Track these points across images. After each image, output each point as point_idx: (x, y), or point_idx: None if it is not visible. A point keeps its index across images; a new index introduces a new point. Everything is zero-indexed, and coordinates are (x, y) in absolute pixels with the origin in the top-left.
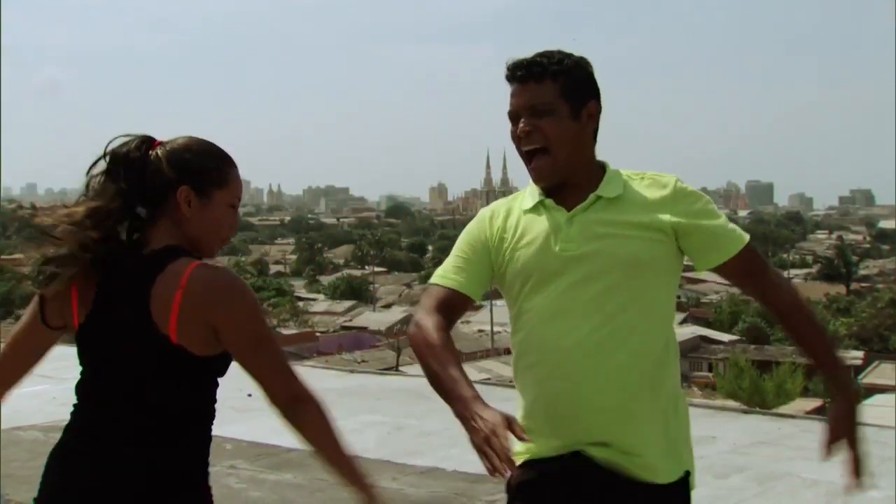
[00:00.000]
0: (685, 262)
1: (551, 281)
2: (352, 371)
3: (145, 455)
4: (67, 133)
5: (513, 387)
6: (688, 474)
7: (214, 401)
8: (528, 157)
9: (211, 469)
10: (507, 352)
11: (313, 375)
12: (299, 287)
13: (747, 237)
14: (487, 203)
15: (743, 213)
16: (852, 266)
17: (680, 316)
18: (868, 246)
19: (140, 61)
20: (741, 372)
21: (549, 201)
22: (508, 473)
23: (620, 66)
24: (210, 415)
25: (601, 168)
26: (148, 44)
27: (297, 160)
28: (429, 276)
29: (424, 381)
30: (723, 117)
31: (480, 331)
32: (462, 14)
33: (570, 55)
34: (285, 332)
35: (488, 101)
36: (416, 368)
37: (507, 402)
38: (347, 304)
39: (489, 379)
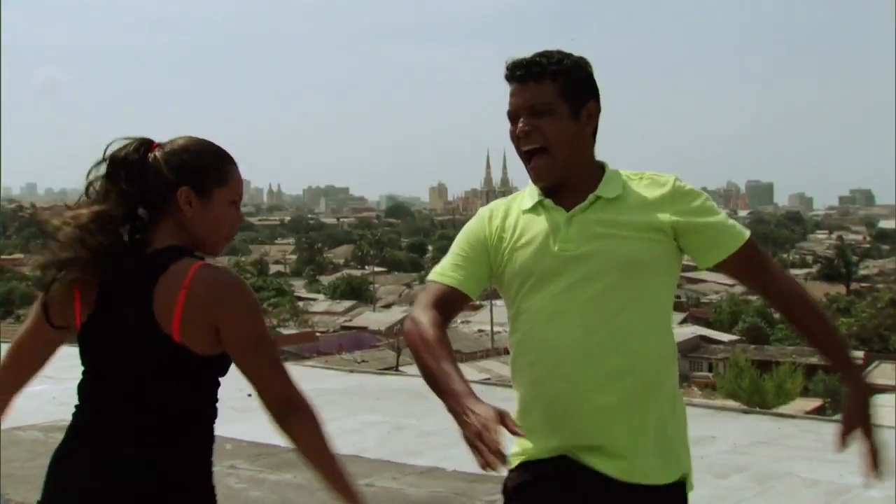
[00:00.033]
0: (685, 262)
1: (550, 281)
2: (352, 371)
3: (145, 455)
4: (67, 133)
5: (512, 387)
6: (685, 476)
7: (216, 401)
8: (527, 157)
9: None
10: (507, 352)
11: (313, 375)
12: (299, 287)
13: (748, 233)
14: (487, 203)
15: (743, 213)
16: (852, 266)
17: (680, 316)
18: (868, 246)
19: (140, 61)
20: (741, 372)
21: (548, 201)
22: (500, 468)
23: (620, 66)
24: (211, 415)
25: (600, 168)
26: (148, 44)
27: (297, 160)
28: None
29: (424, 381)
30: (723, 117)
31: (480, 331)
32: (462, 14)
33: (569, 55)
34: (285, 332)
35: (488, 101)
36: (417, 368)
37: (507, 401)
38: (347, 304)
39: (489, 379)
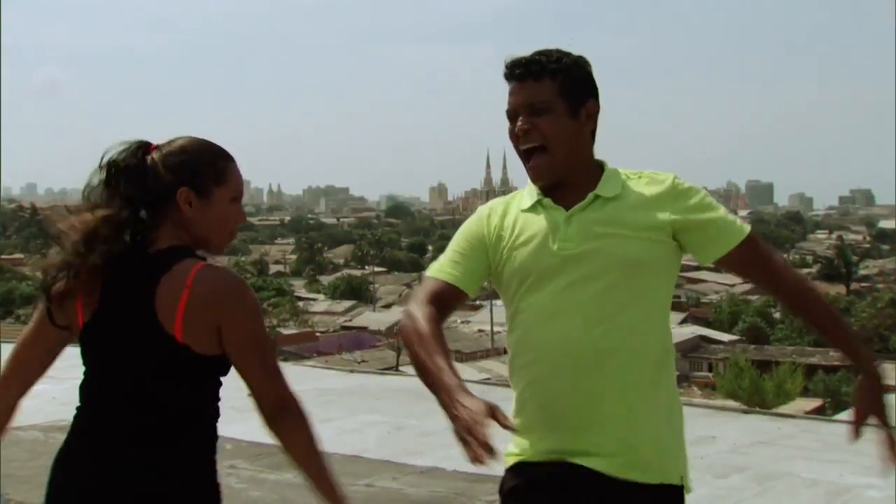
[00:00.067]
0: (685, 262)
1: (549, 280)
2: (352, 371)
3: (146, 455)
4: (67, 133)
5: (510, 386)
6: (682, 477)
7: (217, 400)
8: (526, 156)
9: None
10: (507, 352)
11: (313, 375)
12: (299, 287)
13: (748, 228)
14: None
15: (743, 212)
16: (852, 266)
17: (680, 316)
18: (868, 246)
19: (140, 61)
20: (741, 372)
21: (547, 200)
22: (489, 462)
23: (620, 66)
24: (212, 415)
25: (599, 167)
26: (148, 44)
27: (297, 160)
28: None
29: (417, 375)
30: (723, 117)
31: (480, 331)
32: (462, 14)
33: (568, 54)
34: (285, 332)
35: (488, 101)
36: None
37: (507, 401)
38: (347, 303)
39: (489, 379)
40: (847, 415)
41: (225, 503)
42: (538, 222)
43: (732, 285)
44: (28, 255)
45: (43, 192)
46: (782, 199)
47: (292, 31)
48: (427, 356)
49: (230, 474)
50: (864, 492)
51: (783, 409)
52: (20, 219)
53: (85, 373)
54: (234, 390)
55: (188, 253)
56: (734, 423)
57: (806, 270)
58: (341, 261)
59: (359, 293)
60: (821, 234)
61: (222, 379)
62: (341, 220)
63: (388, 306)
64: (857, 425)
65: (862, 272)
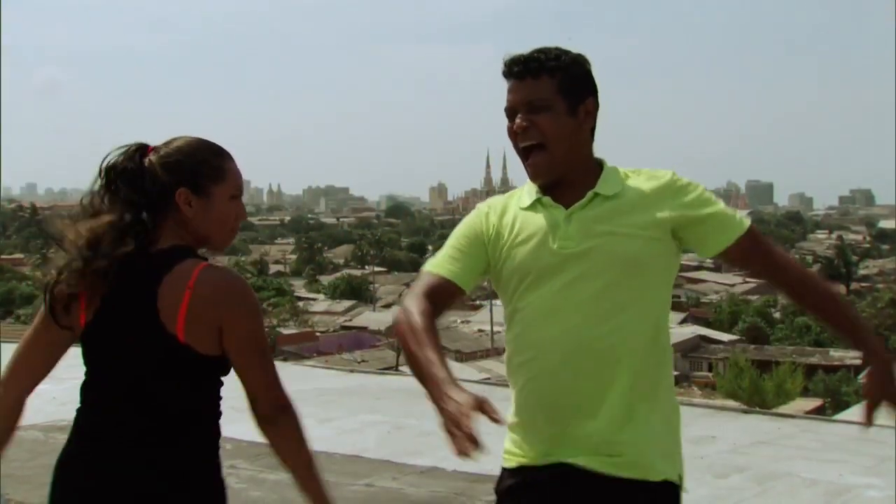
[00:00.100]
0: (685, 262)
1: (549, 278)
2: (352, 371)
3: (145, 455)
4: (67, 133)
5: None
6: (679, 476)
7: (219, 400)
8: (524, 154)
9: None
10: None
11: (313, 375)
12: (299, 287)
13: (748, 222)
14: None
15: (743, 212)
16: (852, 266)
17: (680, 316)
18: (868, 246)
19: (140, 61)
20: (741, 372)
21: (546, 199)
22: (475, 455)
23: (620, 66)
24: (213, 415)
25: (598, 165)
26: (148, 44)
27: (297, 160)
28: None
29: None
30: (723, 117)
31: (480, 331)
32: (462, 14)
33: (567, 52)
34: (285, 332)
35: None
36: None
37: (507, 401)
38: (347, 303)
39: (489, 379)
40: (847, 414)
41: None
42: (538, 220)
43: (732, 285)
44: (28, 255)
45: (43, 192)
46: (782, 199)
47: (292, 31)
48: (418, 349)
49: (230, 474)
50: (864, 492)
51: (783, 409)
52: (20, 219)
53: (86, 373)
54: (233, 390)
55: (190, 253)
56: (734, 423)
57: None
58: (341, 261)
59: (359, 293)
60: (821, 234)
61: (223, 379)
62: (341, 220)
63: (388, 306)
64: (871, 412)
65: (862, 272)
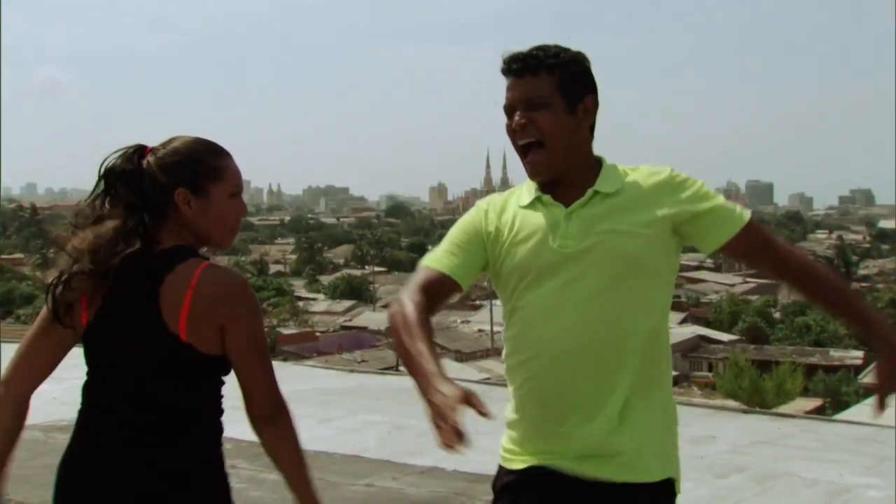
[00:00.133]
0: (685, 262)
1: (548, 277)
2: (352, 371)
3: (145, 455)
4: (67, 133)
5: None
6: (676, 478)
7: (220, 400)
8: (523, 152)
9: None
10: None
11: (313, 375)
12: (299, 287)
13: (748, 214)
14: None
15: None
16: (852, 266)
17: (680, 316)
18: (868, 246)
19: (140, 61)
20: (741, 372)
21: (546, 197)
22: (460, 448)
23: (620, 66)
24: (214, 415)
25: (597, 163)
26: (148, 44)
27: (297, 160)
28: None
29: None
30: (723, 117)
31: (480, 331)
32: (462, 14)
33: (567, 49)
34: (285, 332)
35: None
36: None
37: (507, 401)
38: (347, 303)
39: (489, 379)
40: (847, 414)
41: None
42: (538, 219)
43: (732, 285)
44: (28, 255)
45: (43, 192)
46: (782, 199)
47: (292, 31)
48: (410, 341)
49: (230, 474)
50: (864, 492)
51: (783, 408)
52: (20, 219)
53: (87, 373)
54: (234, 390)
55: (191, 252)
56: (734, 423)
57: None
58: (341, 261)
59: (359, 293)
60: (821, 234)
61: (224, 378)
62: (341, 220)
63: (388, 306)
64: (882, 398)
65: (862, 272)
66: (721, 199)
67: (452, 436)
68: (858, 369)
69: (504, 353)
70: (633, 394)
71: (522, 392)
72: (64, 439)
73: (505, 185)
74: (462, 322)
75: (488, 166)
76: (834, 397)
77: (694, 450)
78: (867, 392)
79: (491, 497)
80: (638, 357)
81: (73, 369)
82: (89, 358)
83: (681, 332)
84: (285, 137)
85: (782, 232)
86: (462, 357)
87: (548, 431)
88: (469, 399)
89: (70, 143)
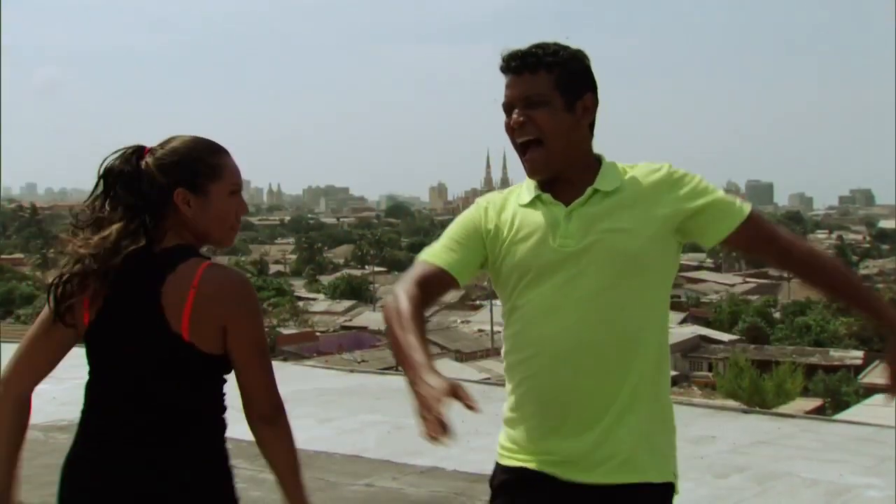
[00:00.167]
0: (685, 262)
1: (548, 276)
2: (352, 371)
3: (146, 455)
4: (67, 133)
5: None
6: (674, 479)
7: (221, 400)
8: (522, 149)
9: None
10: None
11: (313, 375)
12: (299, 287)
13: (749, 207)
14: None
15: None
16: (852, 266)
17: (680, 316)
18: (868, 246)
19: (140, 61)
20: (741, 372)
21: (546, 196)
22: (444, 439)
23: (620, 66)
24: (216, 415)
25: (597, 161)
26: (148, 44)
27: (297, 160)
28: None
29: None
30: (723, 117)
31: (480, 331)
32: (462, 14)
33: (566, 47)
34: (285, 332)
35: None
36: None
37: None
38: (347, 303)
39: (489, 378)
40: (847, 414)
41: None
42: (538, 218)
43: (732, 285)
44: (28, 255)
45: (43, 192)
46: (782, 199)
47: (292, 31)
48: (401, 333)
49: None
50: (864, 492)
51: (783, 408)
52: (20, 219)
53: (89, 372)
54: (234, 390)
55: (192, 252)
56: (734, 423)
57: None
58: (341, 261)
59: (359, 293)
60: (821, 234)
61: (225, 377)
62: (341, 220)
63: None
64: (895, 383)
65: (862, 272)
66: (720, 192)
67: (437, 427)
68: (858, 369)
69: (503, 350)
70: (632, 393)
71: (521, 390)
72: (64, 439)
73: (505, 184)
74: (462, 322)
75: (488, 166)
76: (834, 397)
77: (694, 450)
78: (867, 392)
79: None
80: (636, 356)
81: (73, 369)
82: (91, 358)
83: (681, 332)
84: (285, 137)
85: None
86: (462, 357)
87: (546, 429)
88: (456, 392)
89: (70, 143)
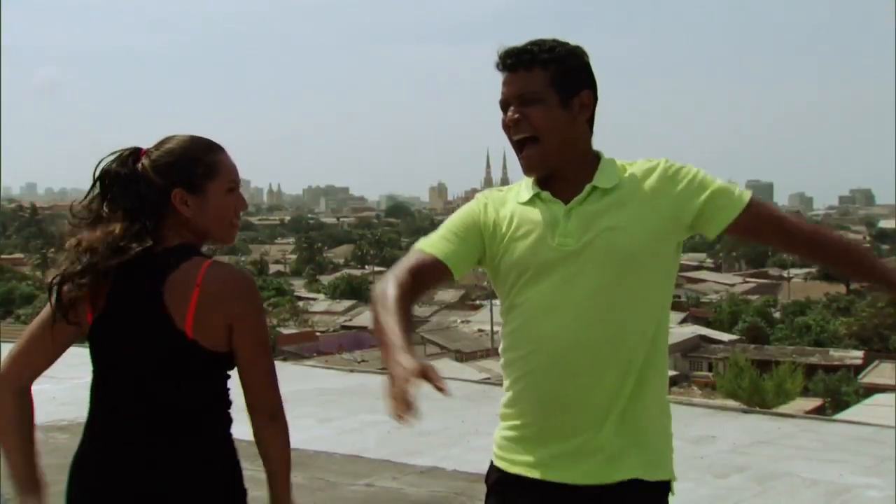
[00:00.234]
0: (685, 262)
1: (547, 274)
2: (352, 371)
3: (147, 455)
4: (67, 133)
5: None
6: (670, 478)
7: (226, 394)
8: (518, 147)
9: None
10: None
11: (313, 375)
12: (299, 287)
13: (748, 195)
14: None
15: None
16: None
17: (680, 316)
18: (868, 246)
19: (140, 61)
20: (741, 371)
21: (545, 194)
22: (409, 418)
23: (620, 66)
24: (220, 410)
25: (596, 157)
26: (148, 44)
27: (297, 160)
28: None
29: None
30: (723, 117)
31: (480, 330)
32: (462, 14)
33: (564, 44)
34: (285, 331)
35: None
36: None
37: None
38: (347, 303)
39: (489, 378)
40: (847, 414)
41: None
42: (537, 216)
43: (732, 285)
44: (28, 255)
45: (43, 192)
46: (782, 199)
47: (292, 31)
48: (384, 316)
49: None
50: (864, 492)
51: (783, 408)
52: (20, 219)
53: (94, 371)
54: (234, 389)
55: (194, 250)
56: (734, 423)
57: (806, 270)
58: (341, 260)
59: (359, 293)
60: None
61: (229, 373)
62: (341, 219)
63: None
64: None
65: None
66: (718, 182)
67: (403, 406)
68: (858, 369)
69: (501, 347)
70: (630, 392)
71: (518, 387)
72: (64, 439)
73: (505, 184)
74: (462, 322)
75: (488, 166)
76: (834, 397)
77: (694, 450)
78: (867, 392)
79: None
80: (634, 355)
81: (73, 369)
82: (95, 356)
83: (681, 331)
84: (285, 137)
85: None
86: (462, 357)
87: (542, 426)
88: (426, 373)
89: (70, 143)
